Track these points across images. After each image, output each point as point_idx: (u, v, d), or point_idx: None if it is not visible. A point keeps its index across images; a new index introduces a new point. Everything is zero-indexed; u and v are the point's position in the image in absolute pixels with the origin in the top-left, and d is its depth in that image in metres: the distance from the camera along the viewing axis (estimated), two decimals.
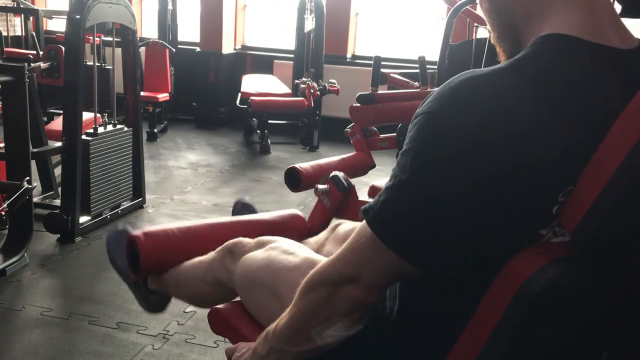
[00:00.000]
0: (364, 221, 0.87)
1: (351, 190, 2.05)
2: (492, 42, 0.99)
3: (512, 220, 0.80)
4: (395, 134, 2.94)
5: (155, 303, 1.74)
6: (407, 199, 0.82)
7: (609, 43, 0.83)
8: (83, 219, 3.37)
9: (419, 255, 0.84)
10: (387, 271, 0.87)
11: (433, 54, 5.08)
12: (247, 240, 1.45)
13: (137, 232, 1.64)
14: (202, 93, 6.70)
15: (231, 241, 1.47)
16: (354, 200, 2.09)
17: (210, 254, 1.52)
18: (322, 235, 1.66)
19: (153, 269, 1.66)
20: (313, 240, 1.67)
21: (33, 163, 3.24)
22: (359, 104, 2.81)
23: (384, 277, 0.89)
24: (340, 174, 2.04)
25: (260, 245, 1.40)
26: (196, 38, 6.82)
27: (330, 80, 5.47)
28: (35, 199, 3.50)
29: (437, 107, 0.81)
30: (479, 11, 5.38)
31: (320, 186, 2.06)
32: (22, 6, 6.04)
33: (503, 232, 0.81)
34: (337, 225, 1.64)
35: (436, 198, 0.80)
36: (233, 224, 1.78)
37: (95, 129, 3.45)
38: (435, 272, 0.89)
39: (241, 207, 2.00)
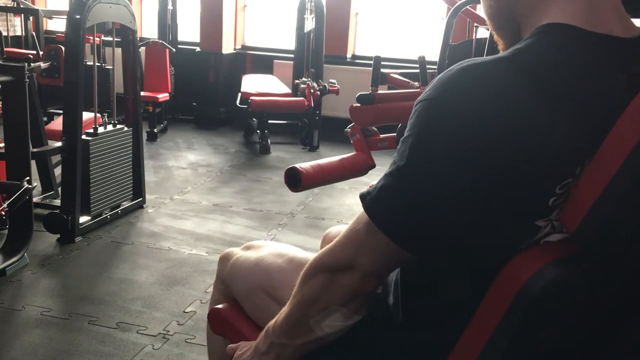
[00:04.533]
0: (362, 208, 0.88)
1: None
2: (491, 31, 0.99)
3: (507, 209, 0.80)
4: (395, 134, 2.94)
5: None
6: (404, 185, 0.82)
7: (611, 32, 0.83)
8: (83, 219, 3.37)
9: (414, 242, 0.84)
10: (383, 258, 0.87)
11: (433, 54, 5.08)
12: (235, 248, 1.50)
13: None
14: (202, 93, 6.70)
15: (222, 254, 1.51)
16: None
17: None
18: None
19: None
20: None
21: (33, 163, 3.25)
22: (359, 104, 2.80)
23: (380, 263, 0.89)
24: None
25: (249, 248, 1.45)
26: (196, 38, 6.82)
27: (330, 80, 5.47)
28: (35, 199, 3.50)
29: (437, 94, 0.81)
30: (479, 11, 5.37)
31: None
32: (22, 6, 6.04)
33: (497, 220, 0.81)
34: (327, 234, 1.66)
35: (433, 184, 0.79)
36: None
37: (95, 129, 3.45)
38: (431, 260, 0.89)
39: None
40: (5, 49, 5.11)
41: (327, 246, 0.95)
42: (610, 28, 0.83)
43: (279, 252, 1.37)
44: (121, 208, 3.69)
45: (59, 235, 3.29)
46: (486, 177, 0.77)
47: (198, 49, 6.77)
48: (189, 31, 6.94)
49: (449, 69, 0.83)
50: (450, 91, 0.80)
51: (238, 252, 1.46)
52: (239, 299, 1.40)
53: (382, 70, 3.48)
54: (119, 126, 3.68)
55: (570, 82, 0.79)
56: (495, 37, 0.98)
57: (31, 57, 3.82)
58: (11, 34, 6.48)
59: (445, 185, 0.79)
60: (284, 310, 1.01)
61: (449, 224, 0.81)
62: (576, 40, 0.82)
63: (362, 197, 0.87)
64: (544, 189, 0.79)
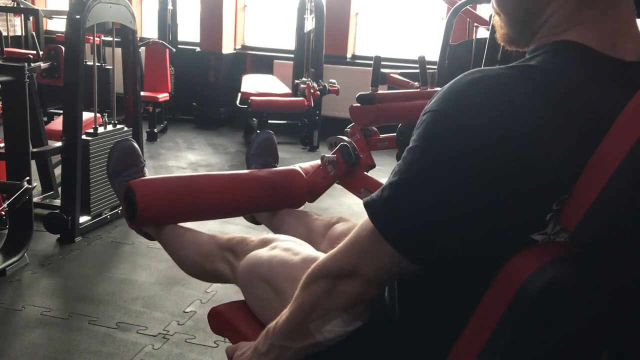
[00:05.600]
0: (366, 215, 0.87)
1: (359, 162, 1.94)
2: (493, 13, 0.97)
3: (507, 223, 0.80)
4: (395, 134, 2.94)
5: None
6: (412, 197, 0.82)
7: (623, 57, 0.84)
8: (83, 219, 3.37)
9: (419, 253, 0.84)
10: (387, 267, 0.87)
11: (433, 54, 5.09)
12: (251, 238, 1.49)
13: (136, 181, 1.61)
14: (202, 93, 6.71)
15: (235, 239, 1.51)
16: (359, 174, 1.99)
17: (213, 242, 1.54)
18: (320, 226, 1.67)
19: (150, 222, 1.65)
20: (310, 226, 1.68)
21: (33, 163, 3.25)
22: (359, 104, 2.80)
23: (383, 272, 0.89)
24: (350, 144, 1.91)
25: (264, 243, 1.42)
26: (196, 38, 6.83)
27: (330, 80, 5.47)
28: (35, 199, 3.50)
29: (446, 106, 0.80)
30: (479, 11, 5.37)
31: (327, 155, 1.93)
32: (22, 6, 6.04)
33: (497, 234, 0.81)
34: (334, 224, 1.65)
35: (440, 198, 0.79)
36: (234, 178, 1.77)
37: (95, 129, 3.45)
38: (434, 270, 0.89)
39: (260, 143, 1.94)
40: (5, 49, 5.10)
41: (330, 252, 0.95)
42: (624, 53, 0.84)
43: (288, 246, 1.37)
44: (121, 208, 3.69)
45: (59, 235, 3.30)
46: (492, 189, 0.78)
47: (198, 49, 6.77)
48: (189, 31, 6.94)
49: (457, 78, 0.82)
50: (459, 104, 0.79)
51: (253, 243, 1.46)
52: (240, 287, 1.40)
53: (382, 70, 3.49)
54: (119, 126, 3.68)
55: (581, 102, 0.79)
56: (495, 20, 0.95)
57: (31, 57, 3.83)
58: (11, 34, 6.47)
59: (452, 199, 0.79)
60: (285, 312, 1.01)
61: (453, 236, 0.81)
62: (590, 61, 0.82)
63: (367, 204, 0.87)
64: (542, 204, 0.80)
